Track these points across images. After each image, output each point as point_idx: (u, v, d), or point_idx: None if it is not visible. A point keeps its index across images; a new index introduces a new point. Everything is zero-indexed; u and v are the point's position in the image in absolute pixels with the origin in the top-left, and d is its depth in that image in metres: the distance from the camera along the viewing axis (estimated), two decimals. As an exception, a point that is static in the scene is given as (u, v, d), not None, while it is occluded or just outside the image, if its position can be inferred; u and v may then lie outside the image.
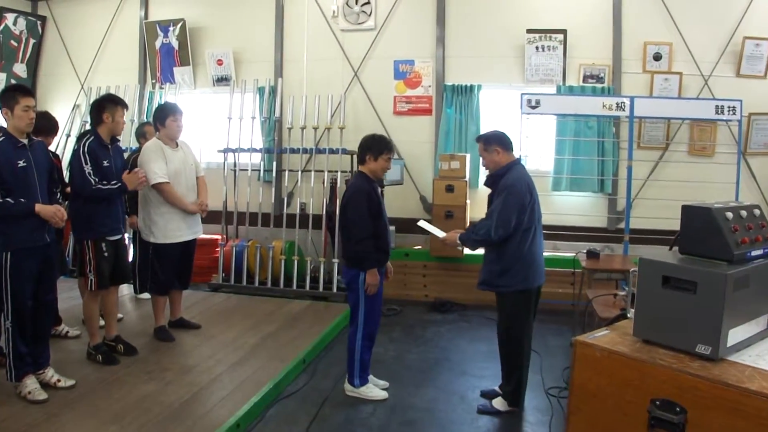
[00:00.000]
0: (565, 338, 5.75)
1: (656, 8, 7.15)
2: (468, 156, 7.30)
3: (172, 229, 5.20)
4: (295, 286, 7.29)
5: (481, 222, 4.04)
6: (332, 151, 7.44)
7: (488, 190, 4.19)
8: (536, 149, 7.32)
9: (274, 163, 7.83)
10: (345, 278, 4.35)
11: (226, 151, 7.74)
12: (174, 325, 5.62)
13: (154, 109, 6.32)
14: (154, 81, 8.57)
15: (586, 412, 2.37)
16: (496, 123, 7.43)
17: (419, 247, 7.59)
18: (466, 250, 6.62)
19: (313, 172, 7.53)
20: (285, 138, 7.92)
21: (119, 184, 4.59)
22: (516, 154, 4.27)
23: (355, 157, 6.69)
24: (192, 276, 5.63)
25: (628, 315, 3.18)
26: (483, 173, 4.16)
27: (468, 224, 6.76)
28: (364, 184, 4.26)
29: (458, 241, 4.13)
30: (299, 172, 7.59)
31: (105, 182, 4.53)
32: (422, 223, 4.45)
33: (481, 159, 4.19)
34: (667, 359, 2.22)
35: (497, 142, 4.10)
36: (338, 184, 7.36)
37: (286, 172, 7.75)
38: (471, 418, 4.14)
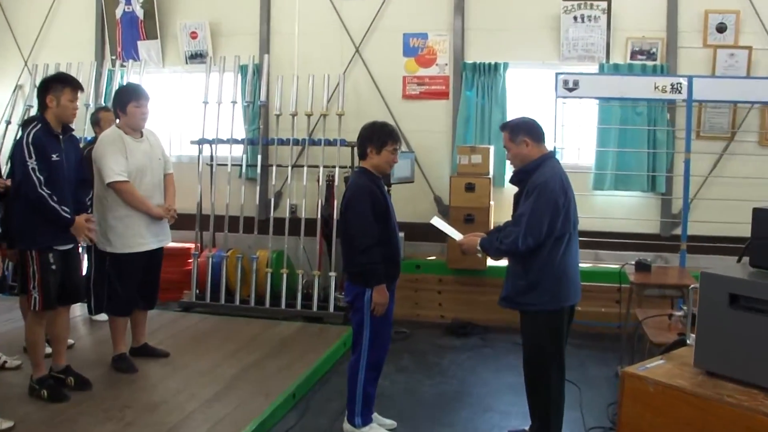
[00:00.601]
0: (610, 368, 5.75)
1: (720, -31, 7.18)
2: (492, 148, 7.32)
3: (133, 236, 5.20)
4: (284, 305, 7.32)
5: (507, 228, 4.08)
6: (329, 143, 7.47)
7: (515, 189, 4.22)
8: (574, 140, 7.35)
9: (259, 157, 7.84)
10: (348, 296, 4.39)
11: (201, 142, 7.79)
12: (137, 353, 5.62)
13: (113, 92, 6.35)
14: (114, 57, 8.63)
15: (636, 459, 2.39)
16: (526, 109, 7.44)
17: (433, 257, 7.63)
18: (490, 260, 6.65)
19: (305, 168, 7.52)
20: (272, 127, 7.95)
21: (68, 216, 4.61)
22: (549, 146, 4.29)
23: (356, 150, 6.71)
24: (158, 293, 5.66)
25: (688, 341, 3.19)
26: (510, 169, 4.18)
27: (491, 228, 6.72)
28: (367, 182, 4.29)
29: (479, 248, 4.16)
30: (289, 168, 7.59)
31: (55, 197, 4.53)
32: (436, 221, 4.50)
33: (506, 152, 4.20)
34: (737, 396, 2.21)
35: (526, 131, 4.11)
36: (336, 183, 7.36)
37: (274, 168, 7.77)
38: (496, 465, 4.14)
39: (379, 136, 4.32)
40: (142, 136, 5.30)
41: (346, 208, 4.29)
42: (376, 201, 4.25)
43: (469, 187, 7.05)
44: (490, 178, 7.13)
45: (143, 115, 5.23)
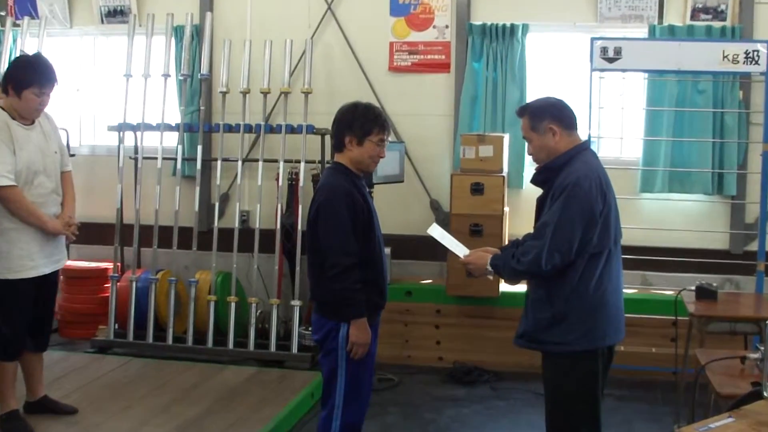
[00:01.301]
0: (664, 426, 5.73)
1: None
2: (507, 137, 7.32)
3: (20, 257, 5.18)
4: (232, 344, 7.32)
5: (527, 242, 4.07)
6: (292, 130, 7.45)
7: (537, 192, 4.21)
8: (615, 127, 7.32)
9: (200, 149, 7.76)
10: (316, 332, 4.40)
11: (122, 128, 7.78)
12: (34, 409, 5.56)
13: (4, 64, 6.30)
14: (3, 14, 8.57)
15: None
16: (552, 86, 7.43)
17: (429, 281, 7.62)
18: (504, 284, 6.66)
19: (261, 164, 7.49)
20: (217, 109, 7.96)
21: None
22: (582, 135, 4.29)
23: (328, 139, 6.64)
24: (50, 330, 5.64)
25: (765, 393, 3.14)
26: (531, 165, 4.17)
27: (506, 242, 6.77)
28: (344, 182, 4.31)
29: (489, 268, 4.17)
30: (239, 163, 7.56)
31: None
32: (434, 231, 4.50)
33: (526, 143, 4.20)
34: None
35: (552, 116, 4.11)
36: (301, 182, 7.37)
37: (219, 163, 7.72)
38: None
39: (361, 123, 4.32)
40: (33, 122, 5.27)
41: (315, 216, 4.29)
42: (357, 207, 4.26)
43: (477, 189, 7.04)
44: (503, 177, 7.11)
45: (42, 104, 5.22)
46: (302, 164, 7.39)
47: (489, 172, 7.11)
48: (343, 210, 4.22)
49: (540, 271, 3.93)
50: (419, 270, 7.77)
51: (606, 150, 7.36)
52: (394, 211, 7.55)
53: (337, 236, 4.20)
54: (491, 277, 4.29)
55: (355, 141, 4.32)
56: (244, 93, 7.57)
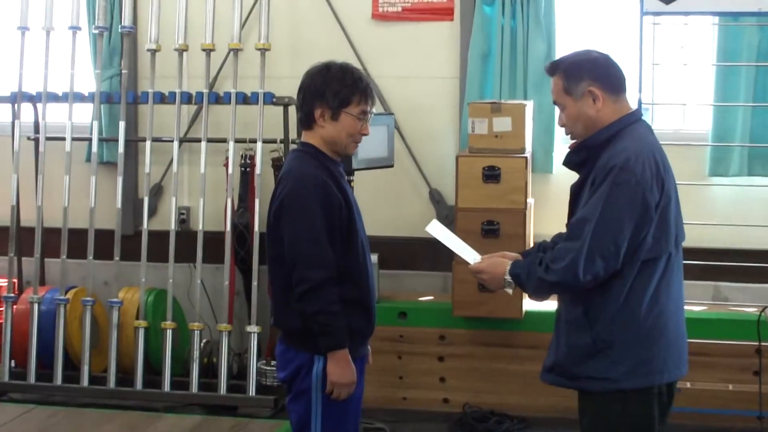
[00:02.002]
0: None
1: None
2: (529, 106, 7.25)
3: None
4: (168, 386, 7.33)
5: (558, 245, 4.08)
6: (245, 99, 7.44)
7: (572, 177, 4.24)
8: (675, 90, 7.32)
9: (122, 125, 7.71)
10: (282, 370, 4.44)
11: (15, 99, 7.78)
12: None
13: None
14: None
15: None
16: (589, 37, 7.49)
17: (430, 297, 7.59)
18: (529, 300, 6.64)
19: (204, 144, 7.46)
20: (144, 72, 7.98)
21: None
22: (631, 102, 4.28)
23: (293, 111, 6.68)
24: None
25: None
26: (564, 142, 4.13)
27: (530, 245, 6.80)
28: (316, 168, 4.30)
29: (508, 278, 4.14)
30: (175, 144, 7.53)
31: None
32: (434, 228, 4.52)
33: (558, 112, 4.19)
34: None
35: (593, 74, 4.10)
36: (259, 169, 7.36)
37: (148, 145, 7.70)
38: None
39: (336, 90, 4.30)
40: None
41: (278, 214, 4.31)
42: (332, 202, 4.26)
43: (491, 175, 6.97)
44: (526, 158, 7.05)
45: None
46: (259, 145, 7.37)
47: (507, 152, 7.04)
48: (316, 207, 4.21)
49: (576, 282, 3.90)
50: (417, 283, 7.81)
51: (663, 121, 7.37)
52: (382, 206, 7.62)
53: (307, 241, 4.20)
54: (511, 291, 4.23)
55: (328, 114, 4.31)
56: (181, 51, 7.54)
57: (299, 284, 4.19)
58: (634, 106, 4.27)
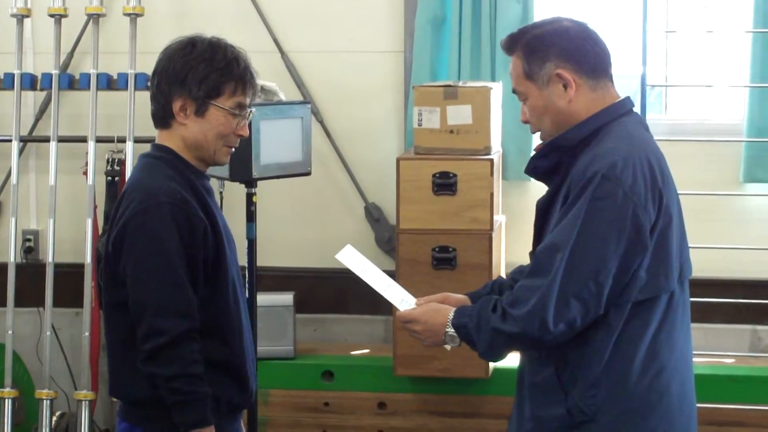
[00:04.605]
0: None
1: None
2: (496, 90, 6.58)
3: None
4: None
5: (519, 282, 3.69)
6: (109, 84, 6.88)
7: (540, 190, 3.96)
8: (694, 69, 6.95)
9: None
10: None
11: None
12: None
13: None
14: None
15: None
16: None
17: (365, 351, 7.00)
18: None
19: (54, 145, 6.88)
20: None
21: None
22: (624, 88, 3.94)
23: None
24: None
25: None
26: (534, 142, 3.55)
27: (492, 278, 6.12)
28: (169, 182, 3.87)
29: (450, 330, 3.70)
30: (13, 146, 6.92)
31: None
32: (346, 256, 4.13)
33: (521, 103, 3.83)
34: None
35: (562, 52, 3.69)
36: (128, 175, 7.22)
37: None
38: None
39: (203, 75, 3.83)
40: None
41: (118, 243, 3.82)
42: (196, 229, 3.80)
43: (444, 184, 6.27)
44: (492, 161, 6.33)
45: None
46: (129, 145, 6.76)
47: (466, 152, 6.36)
48: (170, 233, 3.72)
49: (544, 333, 3.50)
50: (348, 332, 7.12)
51: (680, 109, 6.97)
52: (300, 228, 7.01)
53: (159, 281, 3.72)
54: (449, 348, 3.77)
55: (191, 108, 3.83)
56: (22, 16, 6.85)
57: (148, 339, 3.72)
58: (629, 91, 4.22)
